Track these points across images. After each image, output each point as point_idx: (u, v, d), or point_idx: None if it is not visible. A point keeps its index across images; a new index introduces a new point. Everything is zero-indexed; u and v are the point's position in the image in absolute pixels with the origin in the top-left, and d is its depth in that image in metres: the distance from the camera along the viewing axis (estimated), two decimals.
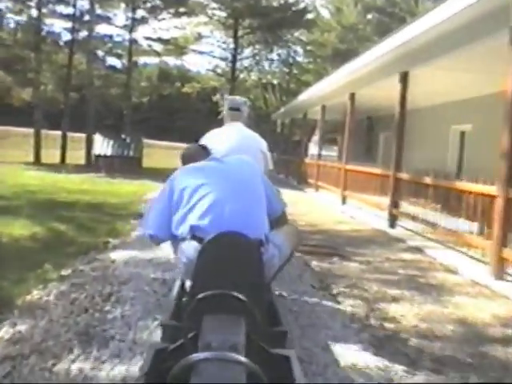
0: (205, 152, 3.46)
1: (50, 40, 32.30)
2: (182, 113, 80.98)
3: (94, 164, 24.51)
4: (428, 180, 9.17)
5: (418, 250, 8.47)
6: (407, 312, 5.08)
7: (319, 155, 18.90)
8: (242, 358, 1.87)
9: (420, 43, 9.56)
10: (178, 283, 3.80)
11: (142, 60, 51.70)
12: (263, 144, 4.68)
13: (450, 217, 8.43)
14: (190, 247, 2.87)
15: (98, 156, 24.19)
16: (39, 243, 7.27)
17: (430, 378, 3.61)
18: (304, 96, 21.35)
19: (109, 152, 24.21)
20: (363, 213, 12.42)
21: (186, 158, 3.44)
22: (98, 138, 24.84)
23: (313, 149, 41.25)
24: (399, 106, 10.37)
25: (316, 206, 14.44)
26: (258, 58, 44.39)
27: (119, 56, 35.68)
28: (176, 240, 3.08)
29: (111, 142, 24.54)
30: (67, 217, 9.63)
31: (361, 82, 13.48)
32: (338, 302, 5.18)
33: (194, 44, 39.07)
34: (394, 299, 5.51)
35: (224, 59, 40.43)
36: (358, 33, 43.38)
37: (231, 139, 4.36)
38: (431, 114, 15.46)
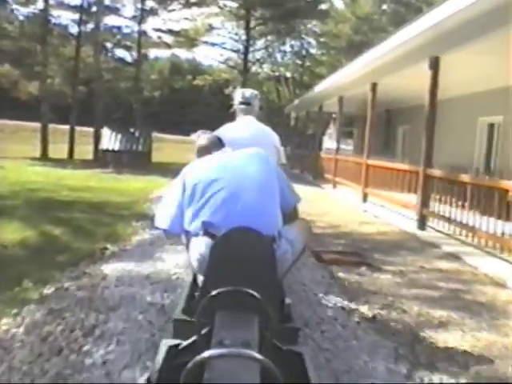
0: (220, 143, 3.45)
1: (56, 32, 31.50)
2: (194, 106, 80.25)
3: (101, 159, 23.62)
4: (466, 178, 8.18)
5: (455, 257, 7.48)
6: (460, 342, 4.13)
7: (337, 149, 17.87)
8: (257, 355, 1.81)
9: (453, 24, 8.57)
10: (190, 278, 3.70)
11: (152, 53, 50.89)
12: (276, 138, 4.64)
13: (491, 219, 7.44)
14: (203, 243, 2.82)
15: (106, 151, 23.30)
16: (28, 250, 6.46)
17: None
18: (320, 87, 20.30)
19: (117, 147, 23.32)
20: (387, 212, 11.43)
21: (202, 149, 3.40)
22: (105, 133, 23.96)
23: (327, 142, 40.44)
24: (429, 95, 9.34)
25: (335, 204, 13.44)
26: (270, 50, 43.44)
27: (128, 48, 34.70)
28: (189, 235, 3.02)
29: (119, 137, 23.65)
30: (65, 218, 8.82)
31: (384, 71, 12.45)
32: (377, 331, 4.24)
33: (205, 36, 38.10)
34: (441, 324, 4.57)
35: (236, 51, 39.44)
36: (372, 23, 42.33)
37: (244, 133, 4.30)
38: (455, 105, 14.36)
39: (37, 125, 32.29)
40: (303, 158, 25.25)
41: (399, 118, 20.51)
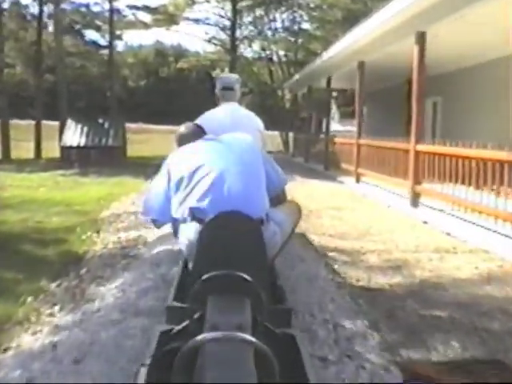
0: (200, 131, 3.39)
1: (14, 13, 27.27)
2: (181, 95, 77.70)
3: (66, 158, 19.43)
4: None
5: None
6: None
7: (359, 132, 13.63)
8: (250, 338, 1.76)
9: None
10: (180, 264, 3.52)
11: (133, 38, 46.72)
12: (260, 123, 4.54)
13: None
14: (191, 228, 2.81)
15: (69, 147, 19.16)
16: None
17: None
18: (330, 52, 15.72)
19: (82, 142, 19.18)
20: (463, 224, 7.39)
21: (182, 139, 3.34)
22: (69, 125, 19.80)
23: (331, 125, 36.55)
24: None
25: (373, 212, 9.36)
26: (259, 27, 39.19)
27: (100, 29, 30.35)
28: (176, 222, 3.00)
29: (85, 129, 19.51)
30: None
31: (444, 10, 8.32)
32: None
33: (187, 11, 33.88)
34: None
35: (222, 28, 35.29)
36: None
37: (228, 119, 4.24)
38: None
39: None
40: (308, 144, 21.14)
41: (427, 89, 16.44)
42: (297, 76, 22.54)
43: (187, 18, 33.70)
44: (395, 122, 17.12)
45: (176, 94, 78.69)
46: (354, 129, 14.28)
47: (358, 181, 13.11)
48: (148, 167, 16.56)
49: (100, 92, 36.01)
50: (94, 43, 30.86)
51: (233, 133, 3.32)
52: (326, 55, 16.13)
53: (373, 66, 12.97)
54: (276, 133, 40.05)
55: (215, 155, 2.98)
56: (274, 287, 3.06)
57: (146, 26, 33.49)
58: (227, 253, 2.42)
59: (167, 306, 2.82)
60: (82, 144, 19.09)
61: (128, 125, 53.37)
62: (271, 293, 2.75)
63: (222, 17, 34.69)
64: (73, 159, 18.65)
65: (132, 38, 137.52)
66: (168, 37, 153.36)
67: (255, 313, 2.11)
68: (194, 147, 3.13)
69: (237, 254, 2.43)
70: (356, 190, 12.26)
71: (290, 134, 38.12)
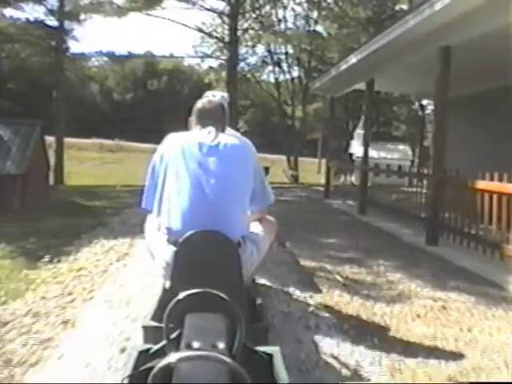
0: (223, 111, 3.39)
1: None
2: (172, 111, 71.49)
3: None
4: None
5: None
6: None
7: None
8: (225, 357, 1.73)
9: None
10: (161, 285, 3.44)
11: (122, 47, 38.36)
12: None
13: None
14: (167, 250, 2.77)
15: None
16: None
17: None
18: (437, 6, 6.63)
19: None
20: None
21: (202, 114, 3.33)
22: None
23: (356, 147, 28.34)
24: None
25: None
26: (266, 23, 31.00)
27: (41, 1, 21.36)
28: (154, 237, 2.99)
29: None
30: None
31: None
32: None
33: None
34: None
35: (219, 14, 26.96)
36: None
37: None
38: None
39: None
40: (365, 180, 12.31)
41: None
42: (352, 59, 11.92)
43: None
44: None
45: (166, 109, 72.36)
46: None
47: None
48: (83, 215, 8.57)
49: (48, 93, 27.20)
50: (40, 23, 22.00)
51: (231, 138, 3.14)
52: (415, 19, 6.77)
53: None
54: (283, 157, 32.15)
55: (199, 169, 2.83)
56: (253, 305, 3.08)
57: (118, 9, 24.80)
58: (202, 272, 2.46)
59: (143, 326, 2.83)
60: None
61: (102, 141, 44.89)
62: (249, 311, 2.80)
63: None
64: None
65: (119, 47, 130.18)
66: (160, 47, 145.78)
67: (232, 331, 2.05)
68: (186, 150, 2.90)
69: (212, 274, 2.46)
70: None
71: (301, 159, 30.91)
